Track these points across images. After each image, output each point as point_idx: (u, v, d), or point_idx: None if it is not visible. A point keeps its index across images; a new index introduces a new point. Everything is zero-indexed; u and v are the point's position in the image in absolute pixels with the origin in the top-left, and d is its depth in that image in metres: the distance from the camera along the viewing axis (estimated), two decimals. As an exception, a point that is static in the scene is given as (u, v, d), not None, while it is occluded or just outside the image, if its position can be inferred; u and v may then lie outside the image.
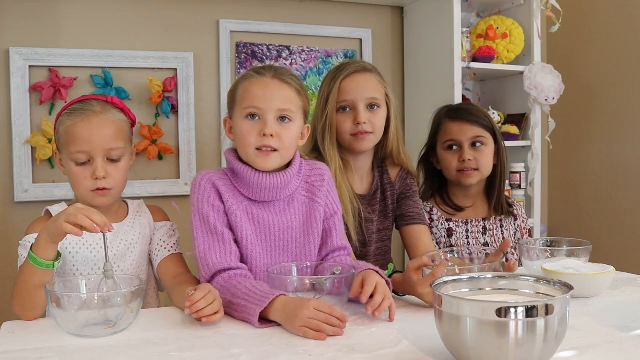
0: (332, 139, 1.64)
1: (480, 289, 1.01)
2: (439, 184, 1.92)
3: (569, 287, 0.92)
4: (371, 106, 1.63)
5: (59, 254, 1.20)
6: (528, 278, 1.00)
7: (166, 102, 2.51)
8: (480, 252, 1.40)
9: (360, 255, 1.66)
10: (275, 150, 1.33)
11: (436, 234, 1.83)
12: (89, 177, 1.35)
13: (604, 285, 1.34)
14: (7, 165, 2.33)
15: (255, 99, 1.33)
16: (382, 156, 1.75)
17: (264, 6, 2.70)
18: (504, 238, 1.87)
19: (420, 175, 1.92)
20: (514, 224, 1.91)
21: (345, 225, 1.59)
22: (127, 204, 1.50)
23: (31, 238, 1.31)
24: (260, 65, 2.35)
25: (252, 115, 1.33)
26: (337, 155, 1.64)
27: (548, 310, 0.84)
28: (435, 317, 0.92)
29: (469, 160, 1.79)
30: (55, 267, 1.18)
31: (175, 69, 2.53)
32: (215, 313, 1.13)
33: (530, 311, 0.83)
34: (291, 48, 2.75)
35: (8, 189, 2.33)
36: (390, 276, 1.35)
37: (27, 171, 2.33)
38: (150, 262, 1.48)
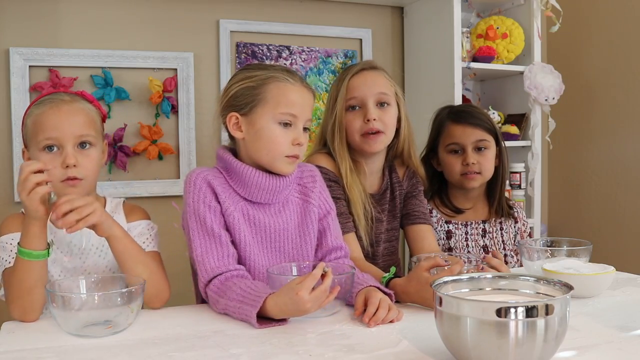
0: (341, 139, 1.60)
1: (480, 289, 1.01)
2: (438, 186, 1.91)
3: (569, 287, 0.92)
4: (381, 104, 1.60)
5: (48, 245, 1.19)
6: (528, 278, 1.00)
7: (166, 102, 2.51)
8: (479, 259, 1.40)
9: (369, 255, 1.64)
10: (298, 157, 1.35)
11: (435, 235, 1.82)
12: (58, 167, 1.29)
13: (604, 285, 1.34)
14: (7, 165, 2.33)
15: (294, 107, 1.31)
16: (392, 156, 1.72)
17: (264, 6, 2.70)
18: (503, 241, 1.87)
19: None
20: (514, 227, 1.90)
21: (356, 227, 1.58)
22: (105, 201, 1.45)
23: (7, 238, 1.29)
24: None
25: (286, 123, 1.32)
26: (348, 156, 1.61)
27: (548, 310, 0.84)
28: (435, 317, 0.92)
29: (473, 164, 1.79)
30: (49, 255, 1.18)
31: (175, 69, 2.54)
32: (80, 220, 1.14)
33: (530, 311, 0.83)
34: (291, 48, 2.75)
35: (8, 189, 2.33)
36: (391, 279, 1.33)
37: (27, 171, 2.32)
38: None
